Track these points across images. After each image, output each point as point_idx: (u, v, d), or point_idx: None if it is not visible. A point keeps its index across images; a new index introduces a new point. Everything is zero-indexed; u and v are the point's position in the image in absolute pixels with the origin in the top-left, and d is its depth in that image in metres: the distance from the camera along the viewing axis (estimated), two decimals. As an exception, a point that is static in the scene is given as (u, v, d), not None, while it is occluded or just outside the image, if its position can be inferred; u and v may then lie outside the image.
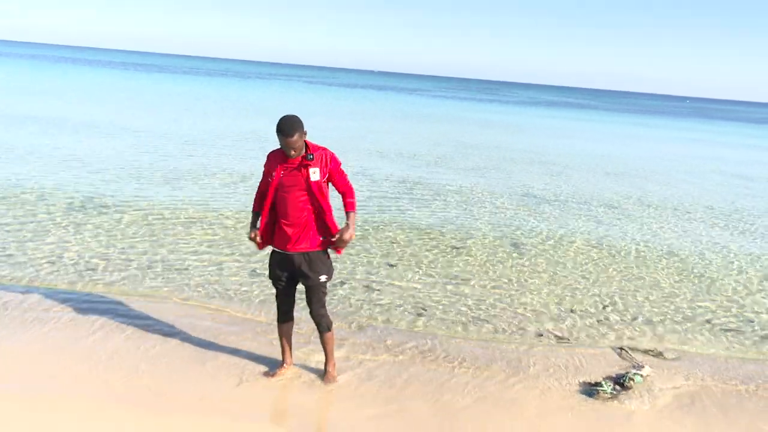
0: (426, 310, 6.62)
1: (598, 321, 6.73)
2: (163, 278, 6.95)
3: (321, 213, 4.47)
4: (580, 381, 5.20)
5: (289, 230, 4.46)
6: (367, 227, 9.69)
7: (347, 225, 4.43)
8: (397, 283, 7.39)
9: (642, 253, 9.51)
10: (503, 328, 6.32)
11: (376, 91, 73.69)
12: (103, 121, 20.81)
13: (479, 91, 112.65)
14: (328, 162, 4.42)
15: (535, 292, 7.43)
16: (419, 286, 7.32)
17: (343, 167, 4.55)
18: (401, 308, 6.61)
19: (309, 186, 4.37)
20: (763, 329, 6.87)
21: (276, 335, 5.13)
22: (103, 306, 6.05)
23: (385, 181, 13.79)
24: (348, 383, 4.88)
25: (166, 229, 8.80)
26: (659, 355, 5.93)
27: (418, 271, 7.85)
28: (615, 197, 14.21)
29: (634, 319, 6.87)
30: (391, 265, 7.99)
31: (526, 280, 7.83)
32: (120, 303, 6.16)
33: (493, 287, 7.50)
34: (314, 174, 4.36)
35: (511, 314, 6.71)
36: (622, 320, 6.81)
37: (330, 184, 4.53)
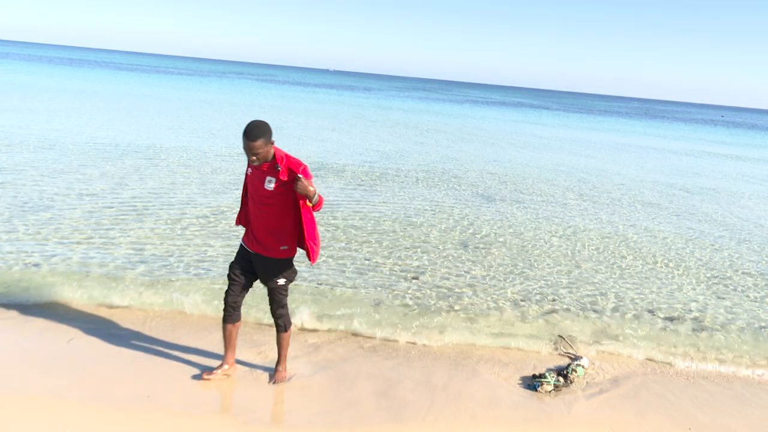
0: (378, 305, 6.70)
1: (538, 311, 6.95)
2: (109, 277, 6.84)
3: (287, 222, 4.39)
4: (523, 374, 5.37)
5: (253, 231, 4.51)
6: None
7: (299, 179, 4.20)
8: (348, 281, 7.44)
9: (572, 241, 9.81)
10: (448, 322, 6.45)
11: (329, 90, 73.40)
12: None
13: (433, 90, 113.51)
14: (293, 175, 4.25)
15: (481, 284, 7.61)
16: (370, 283, 7.39)
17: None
18: (356, 305, 6.68)
19: (268, 195, 4.29)
20: (700, 320, 7.20)
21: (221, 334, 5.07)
22: (48, 309, 5.92)
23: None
24: (297, 381, 4.92)
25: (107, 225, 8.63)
26: (597, 343, 6.18)
27: (367, 267, 7.93)
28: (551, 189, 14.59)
29: (572, 308, 7.12)
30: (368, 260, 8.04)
31: (470, 273, 8.00)
32: (64, 305, 6.04)
33: (443, 280, 7.64)
34: (269, 183, 4.26)
35: (455, 306, 6.86)
36: (562, 310, 7.05)
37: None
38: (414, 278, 7.74)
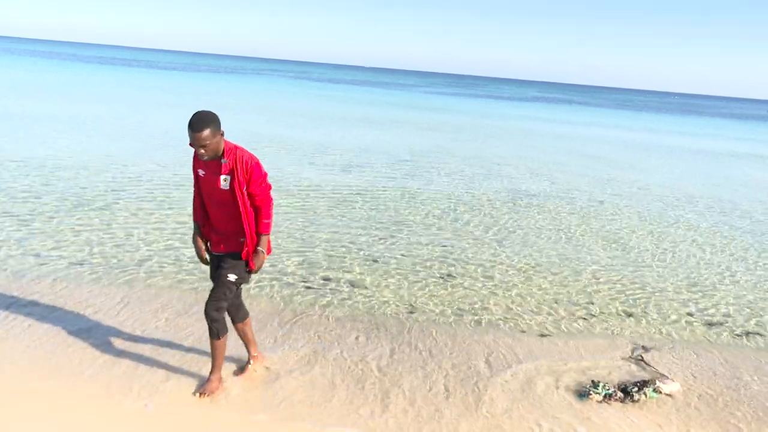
0: (416, 308, 6.38)
1: (613, 317, 6.51)
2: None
3: (241, 218, 4.12)
4: (584, 380, 4.98)
5: (213, 234, 4.28)
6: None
7: (257, 251, 4.16)
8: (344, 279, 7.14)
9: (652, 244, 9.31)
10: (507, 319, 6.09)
11: (362, 87, 73.26)
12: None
13: (468, 86, 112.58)
14: (245, 171, 4.01)
15: (539, 286, 7.21)
16: (395, 282, 7.08)
17: (268, 179, 4.18)
18: (387, 304, 6.37)
19: (223, 193, 4.06)
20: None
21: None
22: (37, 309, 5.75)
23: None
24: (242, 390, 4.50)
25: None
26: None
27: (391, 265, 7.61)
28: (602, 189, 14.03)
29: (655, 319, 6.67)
30: (375, 261, 7.75)
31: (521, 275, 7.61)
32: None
33: (486, 280, 7.27)
34: (224, 182, 4.01)
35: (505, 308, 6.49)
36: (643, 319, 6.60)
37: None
38: (447, 275, 7.37)
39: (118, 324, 5.38)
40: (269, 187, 4.15)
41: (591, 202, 12.66)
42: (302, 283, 6.77)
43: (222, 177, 4.01)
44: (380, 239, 8.66)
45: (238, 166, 3.99)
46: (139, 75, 53.83)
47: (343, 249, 8.08)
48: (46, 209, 8.82)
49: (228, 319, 4.55)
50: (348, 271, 7.26)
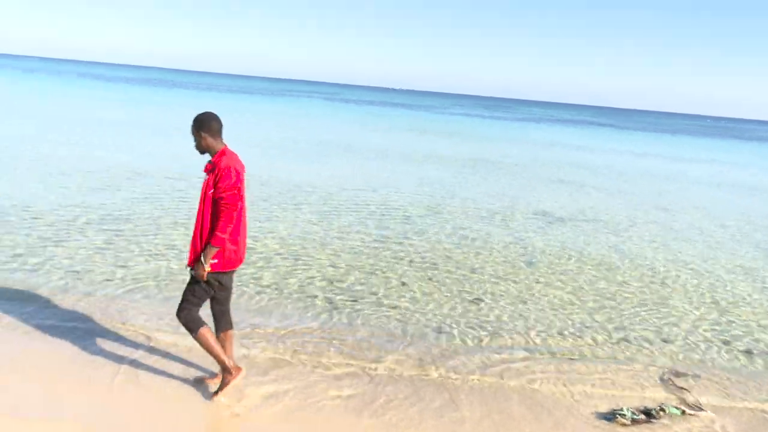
0: (444, 328, 6.44)
1: (645, 343, 6.49)
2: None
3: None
4: (609, 406, 4.98)
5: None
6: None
7: (197, 261, 4.19)
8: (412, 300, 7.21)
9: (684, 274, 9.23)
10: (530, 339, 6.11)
11: (393, 108, 73.73)
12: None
13: (495, 108, 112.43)
14: (216, 173, 4.11)
15: (570, 308, 7.22)
16: (432, 304, 7.14)
17: (241, 191, 4.17)
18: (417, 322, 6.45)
19: (205, 197, 4.19)
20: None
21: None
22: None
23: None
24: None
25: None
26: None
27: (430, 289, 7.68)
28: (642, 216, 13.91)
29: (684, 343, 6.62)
30: (404, 284, 7.83)
31: (546, 295, 7.62)
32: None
33: (514, 300, 7.30)
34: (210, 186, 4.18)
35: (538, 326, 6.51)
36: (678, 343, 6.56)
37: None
38: (476, 300, 7.42)
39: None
40: (234, 198, 4.08)
41: (623, 225, 12.58)
42: (327, 304, 6.89)
43: (209, 181, 4.19)
44: (410, 261, 8.75)
45: (216, 169, 4.13)
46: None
47: (373, 267, 8.21)
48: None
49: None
50: (374, 293, 7.36)
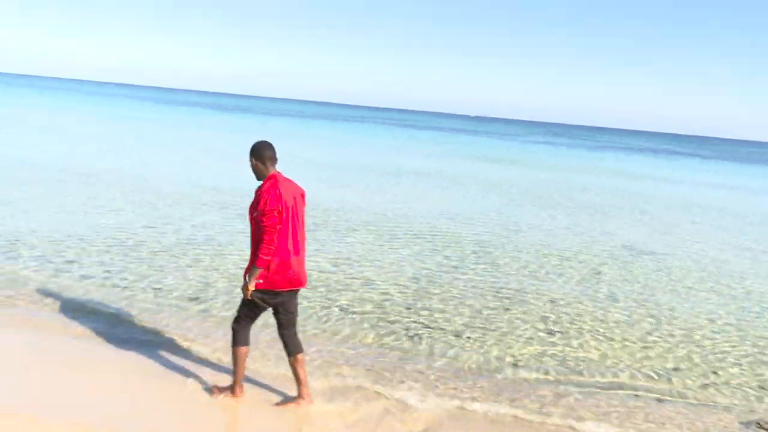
0: (521, 361, 6.21)
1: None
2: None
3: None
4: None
5: None
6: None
7: (244, 279, 4.47)
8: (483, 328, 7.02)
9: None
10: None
11: (466, 135, 73.53)
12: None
13: (567, 135, 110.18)
14: (257, 196, 4.43)
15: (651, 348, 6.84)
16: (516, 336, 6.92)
17: (269, 217, 4.32)
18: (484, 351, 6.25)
19: (251, 220, 4.50)
20: None
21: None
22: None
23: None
24: None
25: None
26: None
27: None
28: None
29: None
30: (479, 312, 7.64)
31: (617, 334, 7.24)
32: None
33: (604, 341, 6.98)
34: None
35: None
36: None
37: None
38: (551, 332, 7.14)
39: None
40: (269, 221, 4.28)
41: (714, 264, 11.91)
42: (403, 332, 6.79)
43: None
44: (483, 291, 8.56)
45: (258, 193, 4.44)
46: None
47: (445, 295, 8.06)
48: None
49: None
50: (447, 321, 7.21)
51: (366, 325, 6.85)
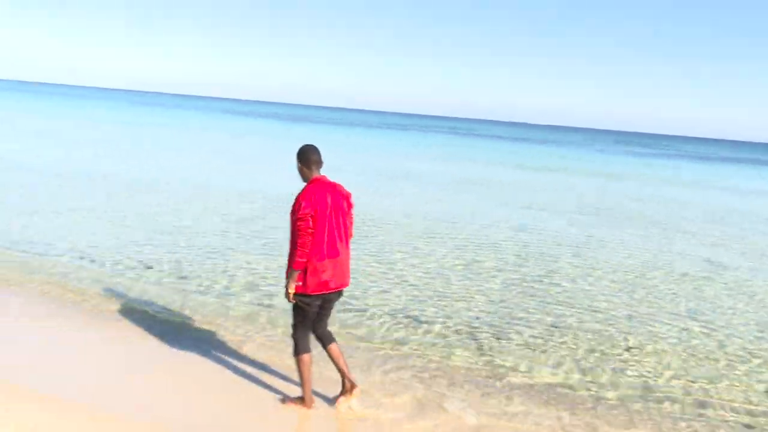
0: (597, 378, 5.95)
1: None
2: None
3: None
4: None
5: None
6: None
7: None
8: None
9: None
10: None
11: (528, 144, 72.27)
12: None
13: (638, 144, 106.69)
14: (293, 206, 4.48)
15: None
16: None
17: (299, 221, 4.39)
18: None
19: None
20: None
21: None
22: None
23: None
24: None
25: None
26: None
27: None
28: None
29: None
30: (554, 326, 7.40)
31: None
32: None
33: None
34: None
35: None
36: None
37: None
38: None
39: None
40: (302, 225, 4.35)
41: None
42: (473, 341, 6.63)
43: None
44: (558, 303, 8.30)
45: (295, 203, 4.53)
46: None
47: (518, 307, 7.86)
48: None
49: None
50: (519, 333, 7.01)
51: (429, 333, 6.74)
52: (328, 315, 4.82)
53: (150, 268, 8.46)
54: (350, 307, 7.47)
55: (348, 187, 18.23)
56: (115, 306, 6.91)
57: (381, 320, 7.09)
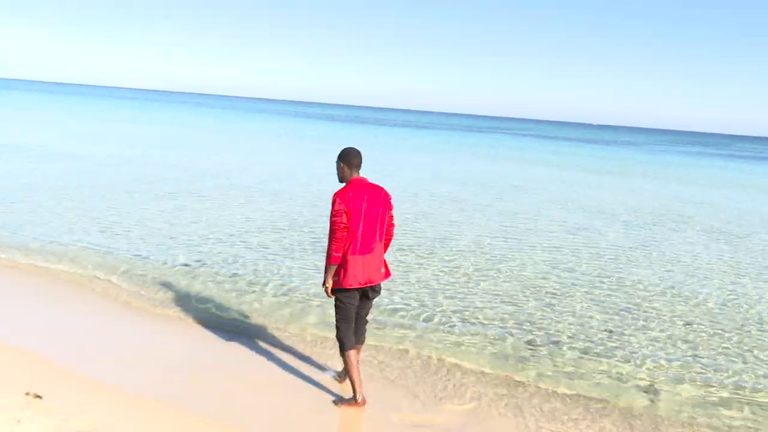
0: (657, 390, 5.76)
1: None
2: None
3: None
4: None
5: None
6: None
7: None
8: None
9: None
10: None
11: (590, 145, 70.62)
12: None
13: (703, 144, 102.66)
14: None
15: None
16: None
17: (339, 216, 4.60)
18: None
19: None
20: None
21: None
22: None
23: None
24: None
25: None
26: None
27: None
28: None
29: None
30: (610, 331, 7.20)
31: None
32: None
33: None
34: None
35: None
36: None
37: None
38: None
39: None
40: (334, 218, 4.57)
41: None
42: (527, 348, 6.52)
43: None
44: (617, 308, 8.07)
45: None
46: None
47: (573, 310, 7.69)
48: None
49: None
50: (573, 337, 6.85)
51: (484, 337, 6.67)
52: (367, 311, 4.98)
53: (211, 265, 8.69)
54: (403, 305, 7.47)
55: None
56: (176, 303, 7.13)
57: (439, 322, 7.08)
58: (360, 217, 4.59)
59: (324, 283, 4.69)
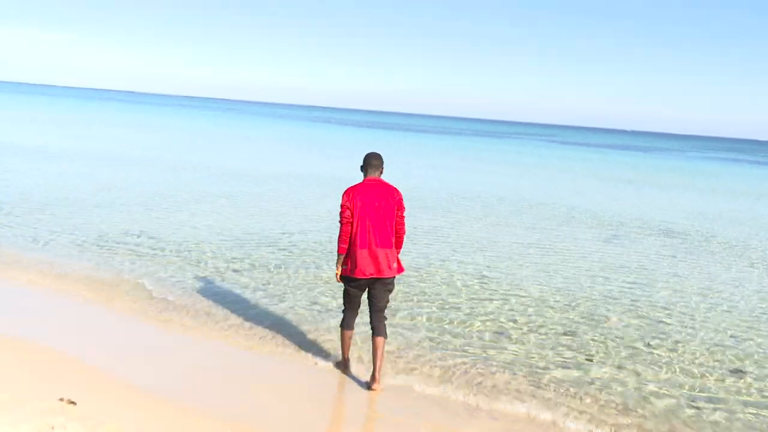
0: (698, 401, 5.55)
1: None
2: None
3: None
4: None
5: None
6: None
7: None
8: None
9: None
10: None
11: (626, 152, 69.34)
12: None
13: (742, 151, 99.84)
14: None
15: None
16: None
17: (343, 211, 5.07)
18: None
19: None
20: None
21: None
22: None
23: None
24: None
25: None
26: None
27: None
28: None
29: None
30: (648, 344, 6.96)
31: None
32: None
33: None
34: None
35: None
36: None
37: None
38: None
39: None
40: (341, 217, 5.06)
41: None
42: (558, 358, 6.32)
43: None
44: (654, 320, 7.83)
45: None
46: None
47: (606, 321, 7.48)
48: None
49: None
50: (606, 350, 6.63)
51: (525, 345, 6.52)
52: (380, 303, 5.23)
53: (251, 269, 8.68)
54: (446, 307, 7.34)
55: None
56: (209, 309, 7.10)
57: (477, 324, 6.95)
58: (366, 213, 4.99)
59: (335, 272, 5.25)
